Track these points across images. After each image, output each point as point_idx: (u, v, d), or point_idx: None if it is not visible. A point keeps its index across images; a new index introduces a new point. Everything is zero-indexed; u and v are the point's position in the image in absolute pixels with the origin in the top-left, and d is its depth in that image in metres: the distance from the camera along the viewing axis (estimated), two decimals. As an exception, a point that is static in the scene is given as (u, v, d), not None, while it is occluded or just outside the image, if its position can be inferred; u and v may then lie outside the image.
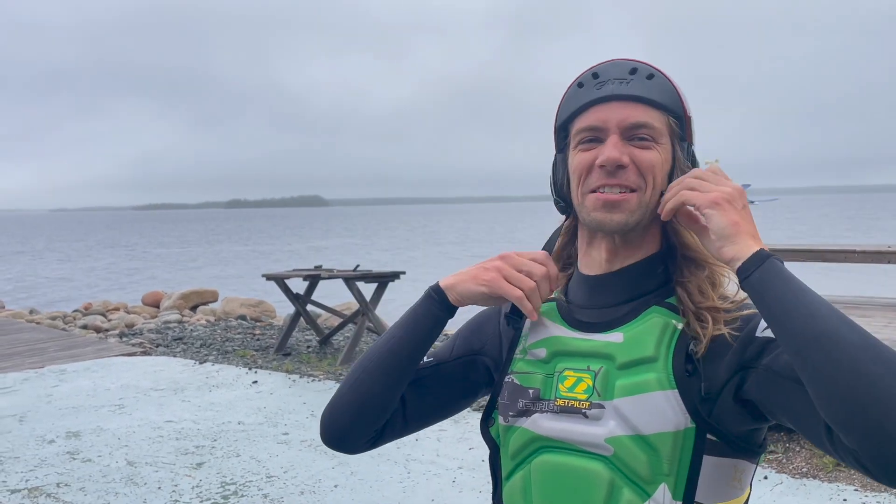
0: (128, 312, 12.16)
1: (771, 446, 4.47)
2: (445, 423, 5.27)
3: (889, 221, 55.03)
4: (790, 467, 4.22)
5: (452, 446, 4.79)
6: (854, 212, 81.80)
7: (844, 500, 3.75)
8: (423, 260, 30.13)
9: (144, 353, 8.16)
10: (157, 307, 12.78)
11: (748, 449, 1.02)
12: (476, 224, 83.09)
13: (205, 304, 12.89)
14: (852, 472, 4.06)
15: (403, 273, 7.81)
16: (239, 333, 9.55)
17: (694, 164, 1.06)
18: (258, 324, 10.67)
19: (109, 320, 11.21)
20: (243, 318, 11.11)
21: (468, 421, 5.30)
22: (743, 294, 0.98)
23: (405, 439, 4.96)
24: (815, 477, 4.07)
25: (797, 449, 4.42)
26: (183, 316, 11.67)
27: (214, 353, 8.18)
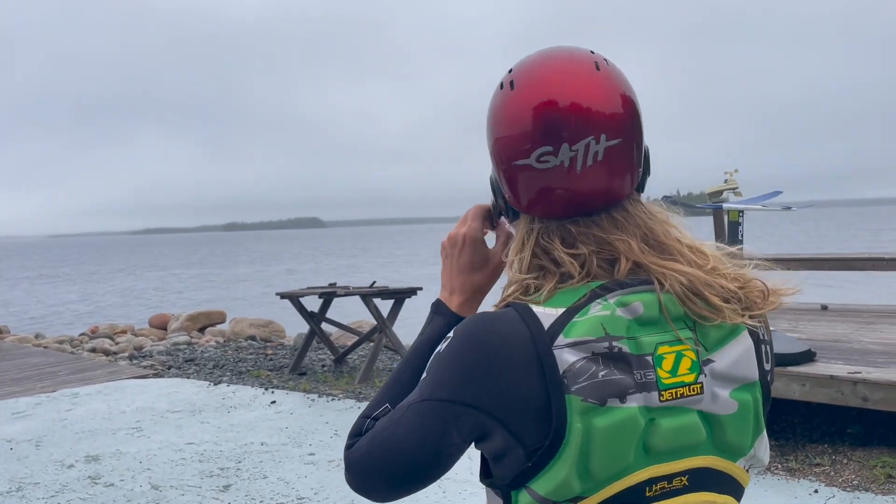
0: (135, 335, 12.00)
1: (817, 459, 4.34)
2: (476, 441, 5.14)
3: (889, 233, 55.09)
4: (839, 480, 4.08)
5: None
6: (851, 224, 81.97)
7: (903, 513, 3.61)
8: (429, 278, 30.00)
9: (156, 375, 8.01)
10: (165, 329, 12.62)
11: None
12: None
13: (213, 325, 12.73)
14: (907, 484, 3.93)
15: (420, 289, 7.69)
16: (251, 354, 9.40)
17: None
18: (269, 344, 10.52)
19: (117, 343, 11.05)
20: (253, 338, 10.96)
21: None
22: None
23: (436, 458, 4.82)
24: (867, 489, 3.93)
25: (845, 461, 4.28)
26: (191, 337, 11.51)
27: (228, 373, 8.03)
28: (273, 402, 6.52)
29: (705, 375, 0.88)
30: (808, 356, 4.57)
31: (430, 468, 0.91)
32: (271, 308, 19.95)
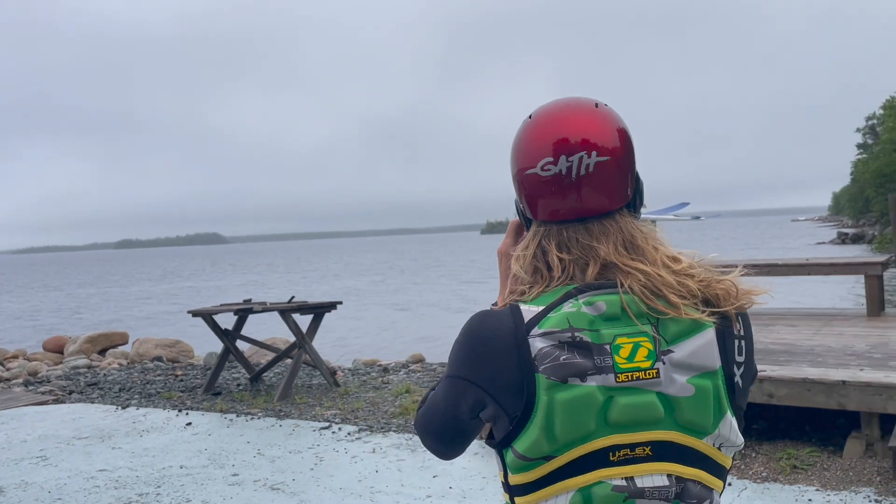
0: (28, 360, 11.28)
1: (728, 454, 4.59)
2: (403, 453, 5.14)
3: (778, 241, 58.81)
4: (750, 473, 4.33)
5: (416, 475, 4.65)
6: (742, 233, 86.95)
7: (809, 500, 3.87)
8: (346, 292, 29.63)
9: (57, 401, 7.56)
10: (62, 353, 11.91)
11: None
12: (380, 254, 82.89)
13: (114, 346, 12.13)
14: (810, 473, 4.22)
15: (340, 303, 7.62)
16: (159, 375, 9.02)
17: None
18: (177, 364, 10.13)
19: (8, 369, 10.34)
20: (160, 359, 10.52)
21: (425, 450, 5.17)
22: None
23: (365, 471, 4.77)
24: (775, 480, 4.19)
25: (754, 455, 4.55)
26: (92, 360, 10.92)
27: (136, 396, 7.68)
28: (189, 423, 6.29)
29: (663, 363, 1.05)
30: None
31: (453, 432, 1.17)
32: (177, 327, 19.20)
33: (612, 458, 1.05)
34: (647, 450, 1.05)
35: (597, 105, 1.15)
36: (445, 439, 1.20)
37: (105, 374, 9.27)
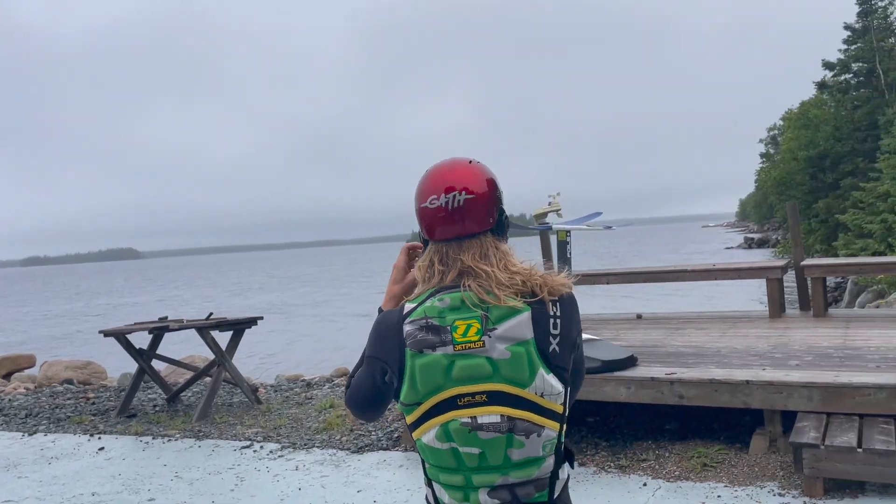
0: (-78, 387, 10.57)
1: (643, 455, 4.76)
2: (327, 469, 5.09)
3: (693, 245, 61.14)
4: (664, 472, 4.50)
5: (340, 491, 4.62)
6: (660, 240, 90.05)
7: (718, 496, 4.06)
8: (270, 305, 29.01)
9: (-44, 431, 7.13)
10: (-40, 378, 11.22)
11: None
12: (308, 267, 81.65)
13: (20, 370, 11.51)
14: (720, 470, 4.42)
15: (261, 318, 7.49)
16: (69, 399, 8.62)
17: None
18: (89, 387, 9.70)
19: None
20: (70, 382, 10.05)
21: (349, 464, 5.15)
22: None
23: (287, 490, 4.71)
24: (687, 479, 4.37)
25: (667, 455, 4.73)
26: (-5, 385, 10.33)
27: (45, 422, 7.33)
28: (101, 448, 6.05)
29: (489, 337, 1.51)
30: (631, 361, 5.02)
31: (373, 396, 1.60)
32: (89, 348, 18.38)
33: (459, 403, 1.52)
34: (484, 397, 1.51)
35: (471, 161, 1.65)
36: (371, 403, 1.61)
37: (10, 400, 8.80)
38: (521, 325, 1.51)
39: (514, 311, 1.51)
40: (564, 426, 1.57)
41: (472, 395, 1.51)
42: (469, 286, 1.53)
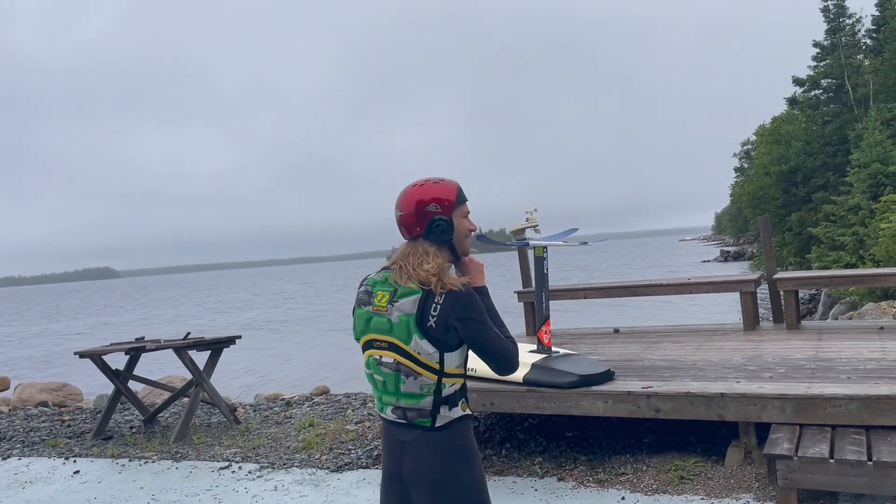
0: None
1: (621, 468, 4.79)
2: (306, 489, 5.07)
3: (671, 259, 61.64)
4: (641, 486, 4.54)
5: (319, 511, 4.59)
6: (639, 253, 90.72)
7: (695, 508, 4.10)
8: (248, 323, 28.75)
9: (-73, 456, 6.99)
10: (-69, 402, 11.00)
11: None
12: (279, 284, 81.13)
13: (-7, 393, 11.33)
14: (696, 483, 4.47)
15: (239, 337, 7.46)
16: (44, 422, 8.50)
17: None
18: (64, 409, 9.57)
19: None
20: (45, 404, 9.91)
21: (329, 483, 5.13)
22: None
23: (267, 511, 4.66)
24: (664, 492, 4.41)
25: (645, 468, 4.77)
26: (-33, 409, 10.15)
27: (18, 445, 7.22)
28: (76, 472, 5.97)
29: (392, 305, 2.20)
30: (608, 375, 5.06)
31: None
32: (64, 370, 18.12)
33: (374, 345, 2.24)
34: (385, 344, 2.21)
35: (422, 184, 2.28)
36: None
37: (-18, 424, 8.65)
38: (410, 302, 2.16)
39: (411, 292, 2.17)
40: (446, 379, 2.19)
41: (381, 341, 2.22)
42: (393, 270, 2.25)
